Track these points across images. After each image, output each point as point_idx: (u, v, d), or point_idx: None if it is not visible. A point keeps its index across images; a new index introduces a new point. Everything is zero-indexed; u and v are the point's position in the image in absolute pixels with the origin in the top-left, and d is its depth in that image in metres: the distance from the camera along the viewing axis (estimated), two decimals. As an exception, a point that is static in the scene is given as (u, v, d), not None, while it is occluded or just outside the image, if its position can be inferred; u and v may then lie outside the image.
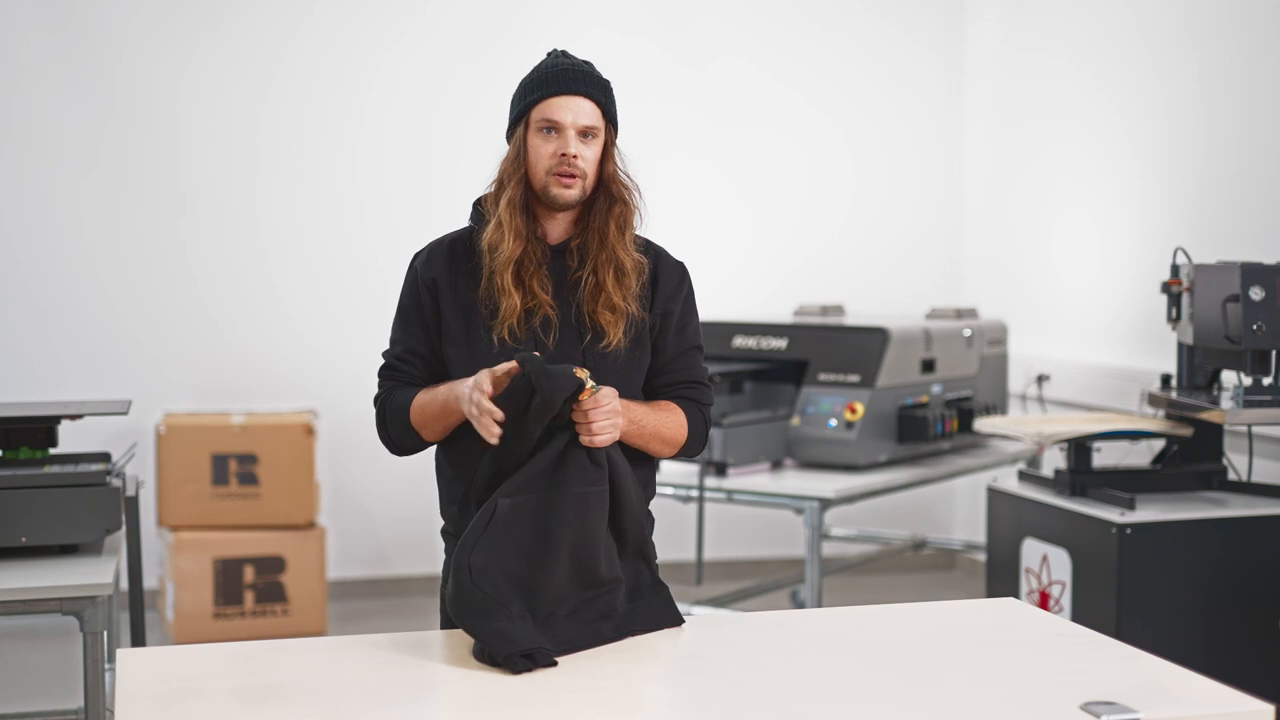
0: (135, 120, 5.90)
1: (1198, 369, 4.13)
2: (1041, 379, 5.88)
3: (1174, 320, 4.13)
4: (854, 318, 5.28)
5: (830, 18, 6.56)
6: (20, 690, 4.71)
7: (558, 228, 2.59)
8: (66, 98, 5.82)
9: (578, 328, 2.54)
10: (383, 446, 2.65)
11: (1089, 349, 5.72)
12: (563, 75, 2.53)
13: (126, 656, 2.28)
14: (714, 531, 5.58)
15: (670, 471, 4.44)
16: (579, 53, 2.65)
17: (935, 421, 4.74)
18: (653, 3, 6.35)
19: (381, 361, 2.65)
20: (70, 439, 3.80)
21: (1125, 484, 4.04)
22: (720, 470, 4.49)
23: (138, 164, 5.92)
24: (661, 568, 2.55)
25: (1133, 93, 5.48)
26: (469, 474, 2.54)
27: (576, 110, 2.52)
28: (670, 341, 2.63)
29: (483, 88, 6.02)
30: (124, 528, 3.46)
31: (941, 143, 6.71)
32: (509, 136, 2.59)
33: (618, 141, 2.60)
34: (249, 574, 5.56)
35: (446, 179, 6.02)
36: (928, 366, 4.88)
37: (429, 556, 5.92)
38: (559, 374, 2.33)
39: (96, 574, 3.09)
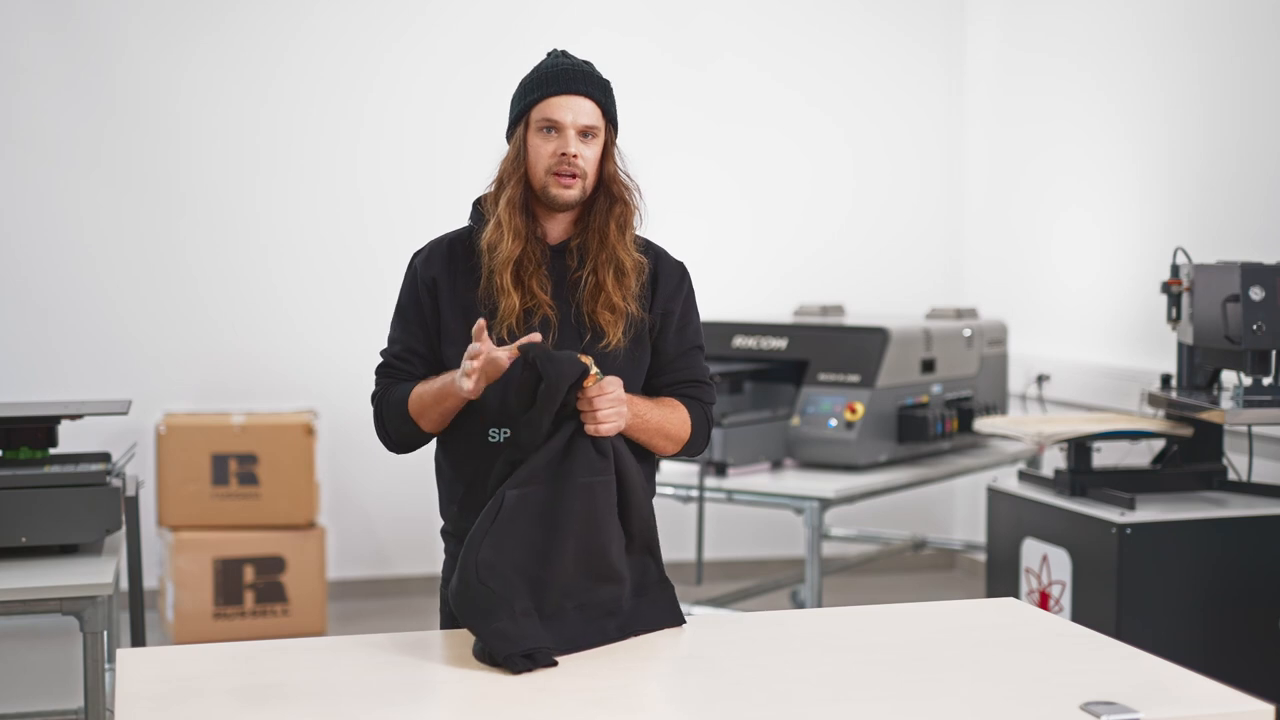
0: (135, 120, 5.90)
1: (1198, 369, 4.13)
2: (1041, 379, 5.88)
3: (1174, 320, 4.13)
4: (854, 318, 5.28)
5: (830, 18, 6.56)
6: (20, 690, 4.71)
7: (557, 228, 2.59)
8: (66, 98, 5.82)
9: (577, 328, 2.54)
10: (382, 446, 2.65)
11: (1089, 349, 5.72)
12: (563, 75, 2.54)
13: (126, 656, 2.28)
14: (714, 531, 5.58)
15: (670, 471, 4.44)
16: (579, 53, 2.65)
17: (935, 421, 4.74)
18: (653, 3, 6.36)
19: (380, 360, 2.65)
20: (70, 439, 3.80)
21: (1125, 484, 4.04)
22: (720, 470, 4.49)
23: (138, 164, 5.92)
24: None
25: (1133, 93, 5.48)
26: (468, 474, 2.54)
27: (576, 110, 2.52)
28: (671, 341, 2.63)
29: (483, 88, 6.02)
30: (124, 528, 3.46)
31: (941, 143, 6.71)
32: (509, 136, 2.59)
33: (618, 141, 2.60)
34: (249, 574, 5.56)
35: (446, 179, 6.02)
36: (928, 366, 4.88)
37: (429, 556, 5.92)
38: (564, 358, 2.33)
39: (96, 574, 3.09)
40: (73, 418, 3.51)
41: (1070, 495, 4.05)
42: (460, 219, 2.70)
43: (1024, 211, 6.28)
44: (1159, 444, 4.31)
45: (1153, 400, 4.24)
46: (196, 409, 5.90)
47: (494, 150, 2.62)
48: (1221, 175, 4.98)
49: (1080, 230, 5.82)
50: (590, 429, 2.36)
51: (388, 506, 6.14)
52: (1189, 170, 5.15)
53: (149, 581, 4.88)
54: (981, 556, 5.48)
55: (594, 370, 2.36)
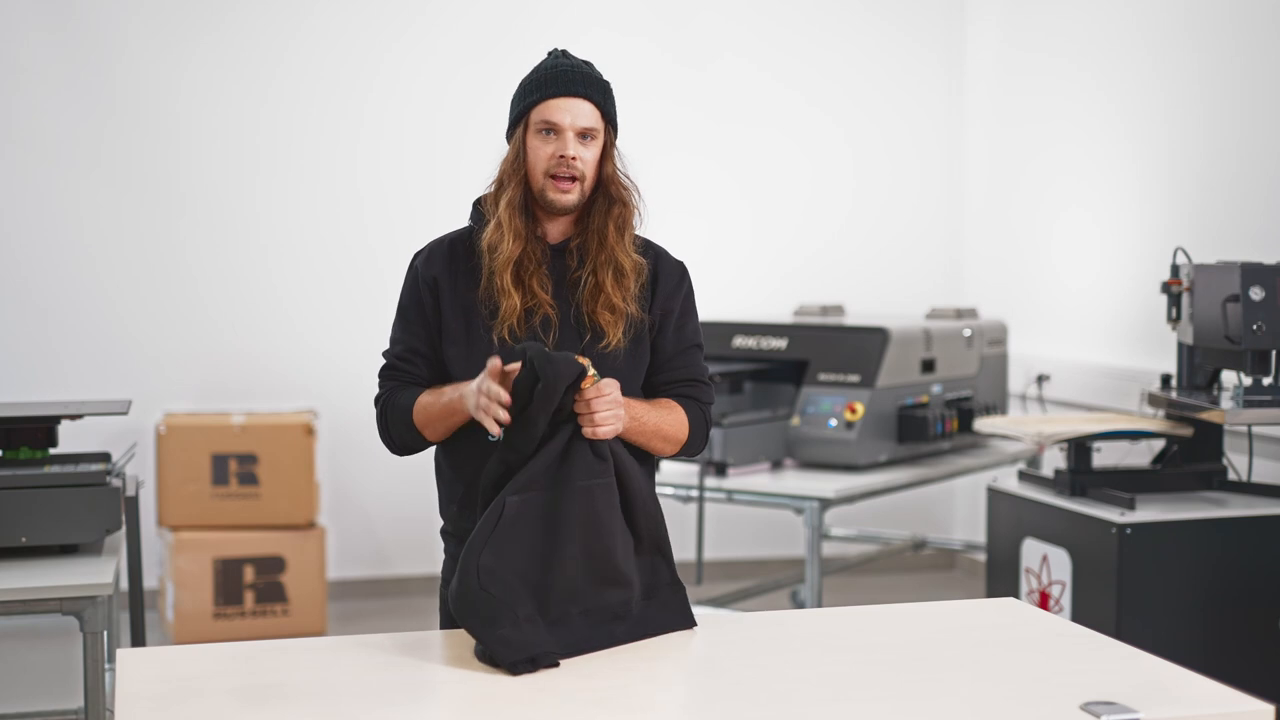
0: (135, 120, 5.90)
1: (1198, 369, 4.13)
2: (1041, 379, 5.88)
3: (1174, 320, 4.13)
4: (854, 318, 5.28)
5: (830, 18, 6.56)
6: (20, 690, 4.71)
7: (557, 228, 2.59)
8: (66, 98, 5.82)
9: (577, 328, 2.54)
10: (383, 446, 2.65)
11: (1089, 349, 5.72)
12: (561, 77, 2.53)
13: (126, 656, 2.28)
14: (714, 531, 5.58)
15: (670, 471, 4.44)
16: (579, 53, 2.65)
17: (935, 421, 4.74)
18: (653, 3, 6.36)
19: (382, 362, 2.65)
20: (70, 439, 3.80)
21: (1125, 484, 4.04)
22: (720, 470, 4.49)
23: (138, 164, 5.92)
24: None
25: (1133, 93, 5.48)
26: (468, 474, 2.54)
27: (575, 112, 2.52)
28: (669, 340, 2.63)
29: (483, 88, 6.02)
30: (124, 528, 3.46)
31: (941, 143, 6.71)
32: (509, 137, 2.59)
33: (617, 143, 2.60)
34: (249, 574, 5.56)
35: (446, 179, 6.02)
36: (928, 366, 4.88)
37: (429, 556, 5.92)
38: (561, 359, 2.32)
39: (96, 574, 3.09)
40: (73, 418, 3.51)
41: (1070, 495, 4.05)
42: (460, 219, 2.70)
43: (1024, 211, 6.28)
44: (1159, 444, 4.31)
45: (1153, 400, 4.24)
46: (196, 409, 5.90)
47: (494, 150, 2.62)
48: (1221, 175, 4.98)
49: (1080, 230, 5.82)
50: (588, 431, 2.36)
51: (388, 506, 6.14)
52: (1189, 170, 5.15)
53: (149, 581, 4.88)
54: (981, 556, 5.48)
55: (591, 372, 2.36)
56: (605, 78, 2.59)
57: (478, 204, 2.64)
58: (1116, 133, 5.57)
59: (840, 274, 6.53)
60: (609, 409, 2.37)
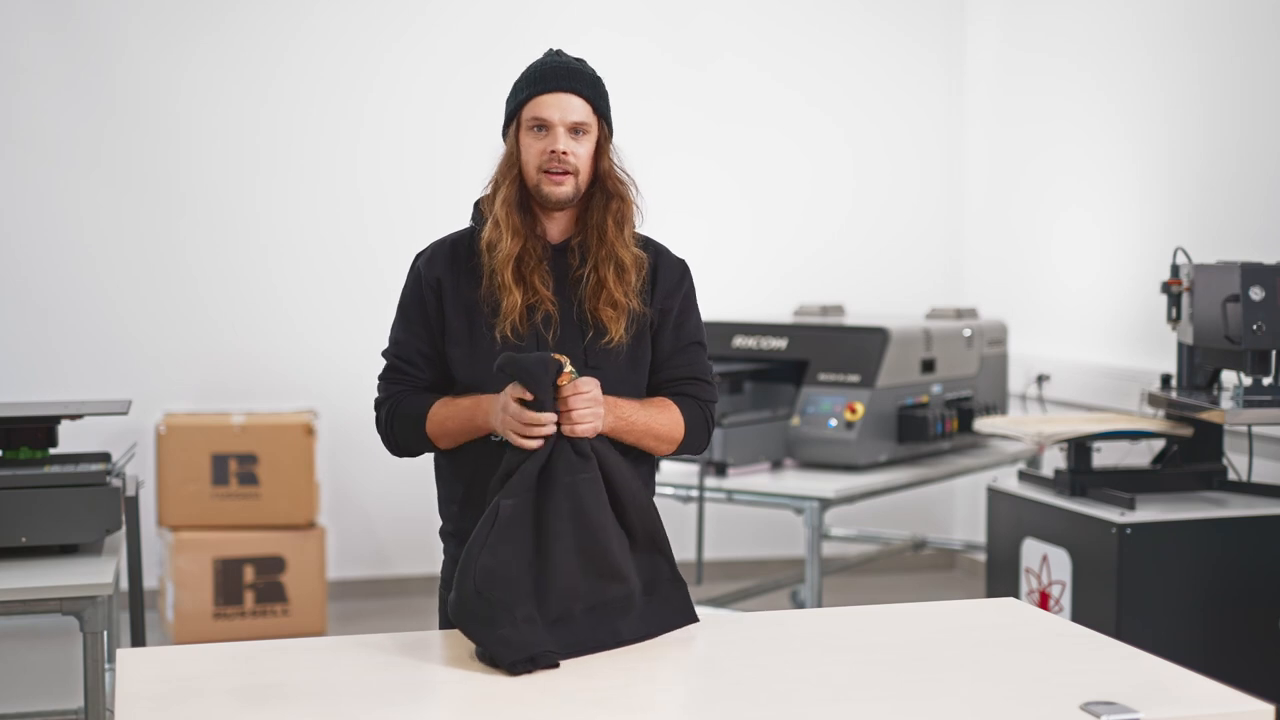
0: (135, 120, 5.90)
1: (1198, 369, 4.13)
2: (1041, 379, 5.88)
3: (1174, 320, 4.13)
4: (854, 318, 5.28)
5: (830, 18, 6.56)
6: (20, 690, 4.71)
7: (557, 226, 2.59)
8: (66, 98, 5.82)
9: (579, 325, 2.54)
10: (383, 447, 2.66)
11: (1089, 349, 5.72)
12: (550, 73, 2.54)
13: (126, 656, 2.28)
14: (714, 531, 5.58)
15: (670, 471, 4.44)
16: (579, 53, 2.65)
17: (935, 421, 4.74)
18: (653, 3, 6.36)
19: (383, 362, 2.65)
20: (70, 439, 3.80)
21: (1125, 484, 4.04)
22: (720, 470, 4.49)
23: (138, 164, 5.92)
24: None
25: (1133, 93, 5.48)
26: (468, 474, 2.54)
27: (565, 107, 2.52)
28: (669, 337, 2.62)
29: (483, 88, 6.01)
30: (124, 528, 3.45)
31: (941, 143, 6.71)
32: (504, 136, 2.59)
33: (614, 139, 2.60)
34: (249, 574, 5.56)
35: (446, 179, 6.02)
36: (928, 366, 4.88)
37: (429, 556, 5.91)
38: (531, 360, 2.36)
39: (96, 574, 3.09)
40: (73, 418, 3.51)
41: (1070, 495, 4.05)
42: (460, 219, 2.70)
43: (1024, 211, 6.28)
44: (1159, 444, 4.31)
45: (1153, 400, 4.24)
46: (196, 409, 5.90)
47: (494, 150, 2.63)
48: (1221, 175, 4.98)
49: (1080, 230, 5.82)
50: (566, 429, 2.36)
51: (388, 506, 6.14)
52: (1189, 170, 5.15)
53: (149, 581, 4.88)
54: (981, 556, 5.48)
55: (568, 369, 2.36)
56: (597, 74, 2.59)
57: (478, 205, 2.64)
58: (1116, 133, 5.57)
59: (840, 274, 6.53)
60: (586, 407, 2.37)
